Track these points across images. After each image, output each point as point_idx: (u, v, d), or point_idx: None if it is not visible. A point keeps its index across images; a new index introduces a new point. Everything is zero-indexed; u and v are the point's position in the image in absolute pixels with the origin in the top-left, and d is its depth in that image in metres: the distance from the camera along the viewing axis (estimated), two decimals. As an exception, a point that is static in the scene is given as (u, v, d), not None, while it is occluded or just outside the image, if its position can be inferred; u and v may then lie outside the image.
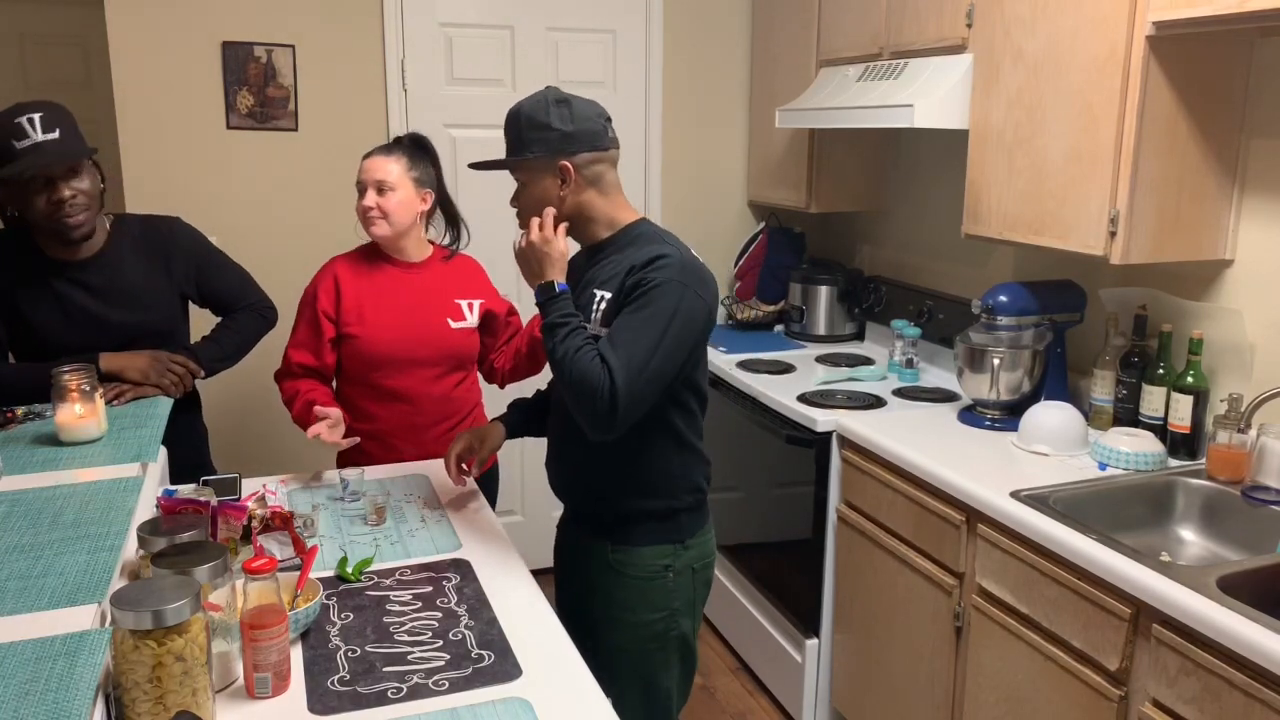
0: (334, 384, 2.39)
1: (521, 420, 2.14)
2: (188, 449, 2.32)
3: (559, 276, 1.76)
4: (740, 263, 3.81)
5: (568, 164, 1.75)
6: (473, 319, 2.39)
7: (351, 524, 1.99)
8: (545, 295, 1.75)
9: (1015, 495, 2.04)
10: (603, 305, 1.76)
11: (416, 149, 2.34)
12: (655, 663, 1.89)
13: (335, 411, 2.18)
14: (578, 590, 1.98)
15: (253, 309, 2.42)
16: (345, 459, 2.36)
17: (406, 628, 1.58)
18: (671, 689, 1.93)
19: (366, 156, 2.30)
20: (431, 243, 2.44)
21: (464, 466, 2.10)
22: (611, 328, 1.71)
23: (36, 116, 2.01)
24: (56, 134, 2.02)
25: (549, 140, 1.74)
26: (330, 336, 2.30)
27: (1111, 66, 2.09)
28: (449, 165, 3.45)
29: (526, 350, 2.43)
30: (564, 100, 1.76)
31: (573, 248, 1.87)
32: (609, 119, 1.81)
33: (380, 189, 2.26)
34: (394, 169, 2.27)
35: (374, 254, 2.37)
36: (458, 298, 2.38)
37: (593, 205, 1.81)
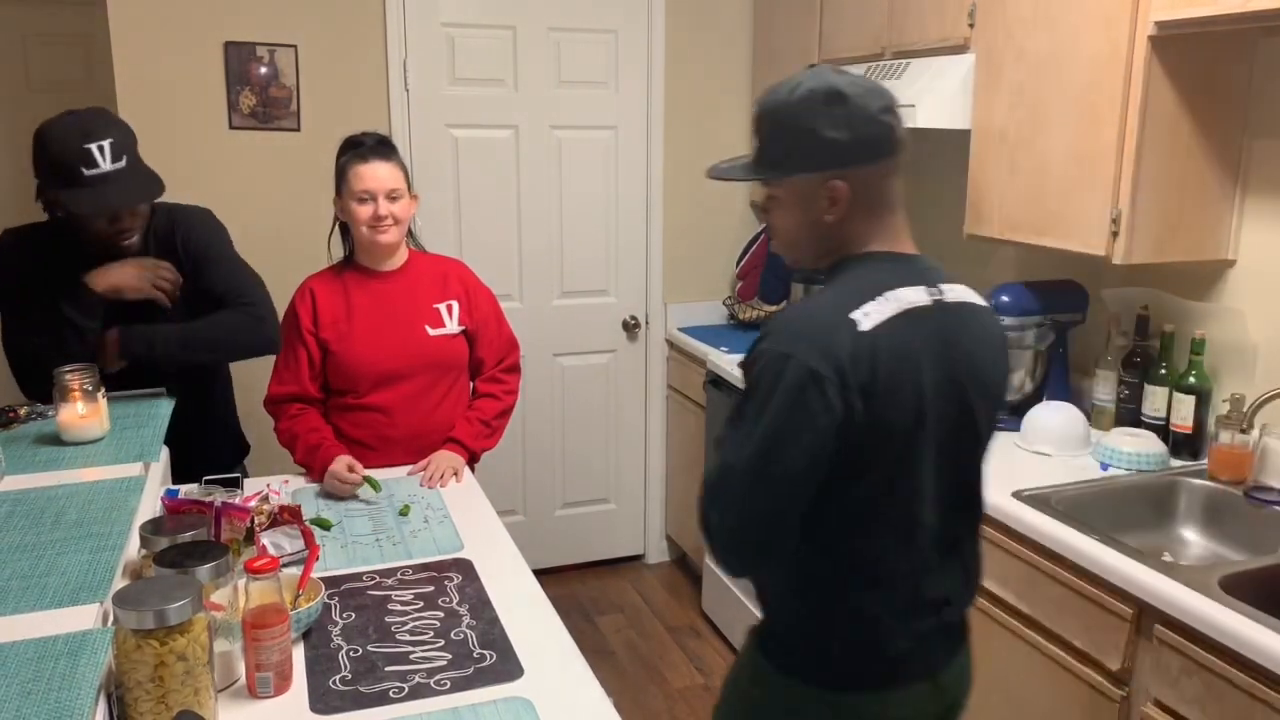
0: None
1: None
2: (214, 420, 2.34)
3: None
4: (742, 263, 3.81)
5: (840, 185, 1.30)
6: (453, 324, 2.36)
7: (353, 523, 2.00)
8: None
9: (1017, 495, 2.04)
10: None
11: (395, 150, 2.31)
12: None
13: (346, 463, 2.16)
14: None
15: (244, 306, 2.23)
16: None
17: (408, 627, 1.58)
18: None
19: (362, 162, 2.23)
20: (410, 248, 2.41)
21: None
22: None
23: (106, 144, 1.96)
24: (124, 163, 1.99)
25: (813, 154, 1.30)
26: (315, 357, 2.27)
27: (1113, 66, 2.09)
28: (451, 166, 3.46)
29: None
30: (837, 94, 1.28)
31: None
32: (893, 107, 1.32)
33: (391, 196, 2.24)
34: (398, 174, 2.26)
35: (346, 268, 2.34)
36: (436, 302, 2.35)
37: (853, 232, 1.34)
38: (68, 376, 1.84)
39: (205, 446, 2.27)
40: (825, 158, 1.30)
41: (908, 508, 1.33)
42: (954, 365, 1.32)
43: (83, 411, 1.85)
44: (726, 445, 1.28)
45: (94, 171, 1.95)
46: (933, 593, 1.38)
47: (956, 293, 1.38)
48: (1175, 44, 2.03)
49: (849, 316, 1.26)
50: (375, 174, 2.23)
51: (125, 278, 2.08)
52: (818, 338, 1.24)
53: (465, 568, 1.81)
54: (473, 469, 2.35)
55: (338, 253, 2.42)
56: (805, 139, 1.30)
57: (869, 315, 1.26)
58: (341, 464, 2.14)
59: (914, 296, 1.31)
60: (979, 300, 1.42)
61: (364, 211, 2.23)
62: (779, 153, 1.34)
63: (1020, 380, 2.47)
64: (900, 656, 1.36)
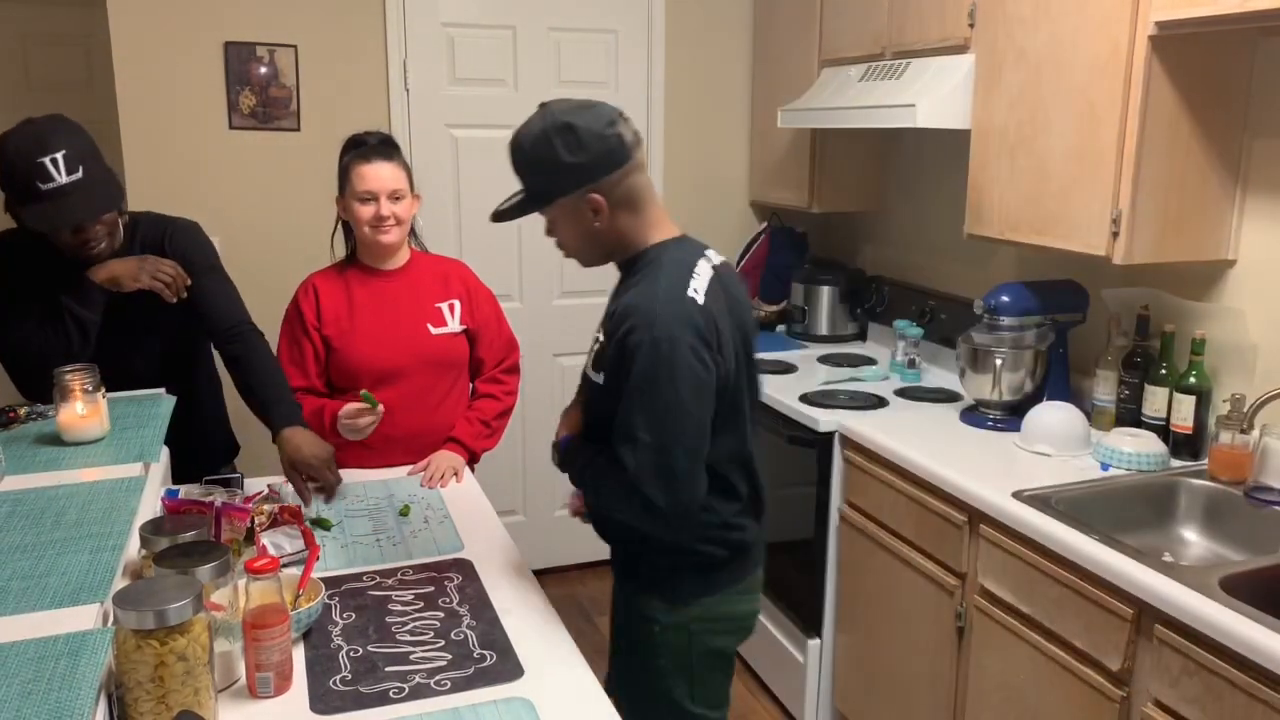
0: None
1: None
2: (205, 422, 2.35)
3: (560, 442, 1.75)
4: (742, 263, 3.80)
5: (597, 197, 1.59)
6: (455, 323, 2.36)
7: (353, 523, 1.99)
8: (559, 458, 1.75)
9: (1017, 495, 2.04)
10: (595, 348, 1.68)
11: (398, 149, 2.31)
12: (650, 714, 1.74)
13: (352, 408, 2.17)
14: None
15: (255, 333, 2.24)
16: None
17: (409, 628, 1.58)
18: None
19: (364, 162, 2.22)
20: (412, 247, 2.41)
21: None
22: (619, 413, 1.56)
23: (60, 156, 1.92)
24: (80, 174, 1.95)
25: (564, 181, 1.58)
26: (320, 353, 2.28)
27: (1114, 66, 2.09)
28: (451, 165, 3.46)
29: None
30: (566, 126, 1.55)
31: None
32: (617, 120, 1.60)
33: (394, 197, 2.23)
34: (401, 175, 2.25)
35: (348, 267, 2.34)
36: (437, 301, 2.35)
37: (627, 229, 1.65)
38: (68, 376, 1.84)
39: (195, 447, 2.26)
40: (575, 180, 1.58)
41: (741, 433, 1.67)
42: (737, 314, 1.66)
43: (83, 411, 1.85)
44: (647, 431, 1.51)
45: (50, 186, 1.92)
46: (757, 500, 1.74)
47: (715, 254, 1.71)
48: (1175, 44, 2.03)
49: (689, 295, 1.56)
50: (377, 174, 2.22)
51: (123, 268, 2.09)
52: (684, 319, 1.53)
53: (465, 568, 1.81)
54: (473, 469, 2.35)
55: (340, 251, 2.42)
56: (554, 170, 1.57)
57: (698, 291, 1.57)
58: (351, 407, 2.15)
59: (706, 268, 1.63)
60: (723, 255, 1.75)
61: (366, 212, 2.23)
62: (539, 186, 1.62)
63: (1020, 380, 2.47)
64: (747, 548, 1.74)
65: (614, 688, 1.76)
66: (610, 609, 1.87)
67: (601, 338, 1.66)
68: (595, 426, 1.68)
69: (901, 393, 2.87)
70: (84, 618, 1.23)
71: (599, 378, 1.64)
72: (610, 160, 1.58)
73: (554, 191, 1.60)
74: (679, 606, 1.70)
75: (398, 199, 2.24)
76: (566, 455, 1.72)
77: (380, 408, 2.15)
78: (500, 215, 1.67)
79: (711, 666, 1.76)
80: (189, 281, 2.15)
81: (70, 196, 1.95)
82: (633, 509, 1.55)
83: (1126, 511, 2.09)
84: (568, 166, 1.56)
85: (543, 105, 1.62)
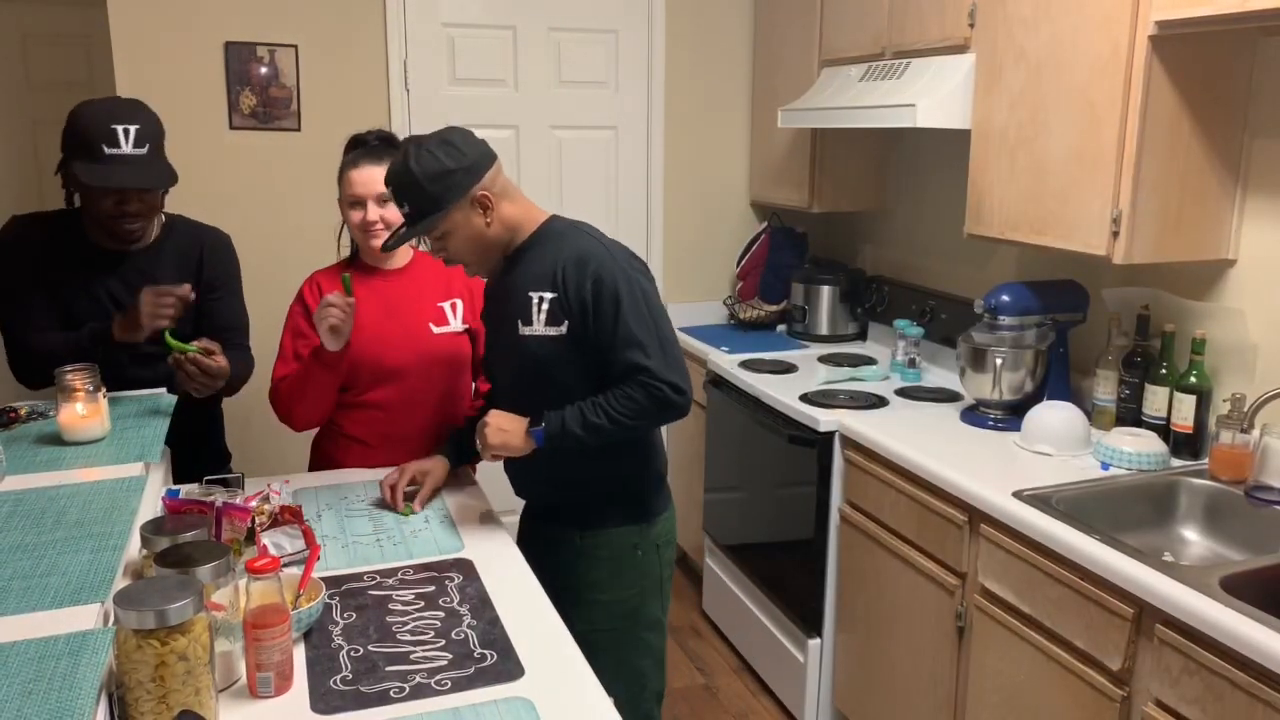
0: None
1: (457, 451, 2.17)
2: (204, 431, 2.36)
3: (528, 436, 1.86)
4: (743, 263, 3.81)
5: (485, 193, 1.82)
6: (457, 322, 2.36)
7: (354, 523, 2.00)
8: (548, 442, 1.85)
9: (1018, 495, 2.04)
10: (544, 306, 1.85)
11: (396, 149, 2.29)
12: (627, 641, 1.99)
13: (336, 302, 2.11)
14: (547, 578, 1.96)
15: (244, 350, 2.33)
16: (323, 464, 2.33)
17: (409, 627, 1.58)
18: (646, 668, 2.03)
19: (354, 167, 2.19)
20: (414, 247, 2.41)
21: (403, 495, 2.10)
22: (614, 339, 1.81)
23: (132, 129, 2.00)
24: (145, 150, 2.01)
25: (457, 183, 1.79)
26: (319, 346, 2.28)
27: (1114, 66, 2.09)
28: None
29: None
30: (443, 141, 1.80)
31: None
32: (458, 132, 1.85)
33: (382, 201, 2.21)
34: None
35: (350, 266, 2.33)
36: (440, 300, 2.35)
37: (513, 216, 1.88)
38: (69, 376, 1.84)
39: (188, 457, 2.26)
40: (467, 180, 1.79)
41: None
42: None
43: (83, 411, 1.85)
44: (658, 336, 1.82)
45: (114, 151, 1.99)
46: None
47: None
48: (1175, 44, 2.03)
49: (619, 243, 1.93)
50: (365, 179, 2.18)
51: (132, 334, 2.07)
52: (631, 256, 1.91)
53: (466, 568, 1.81)
54: (473, 469, 2.35)
55: (346, 250, 2.42)
56: (444, 177, 1.77)
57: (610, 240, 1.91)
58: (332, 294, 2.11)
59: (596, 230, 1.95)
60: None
61: (355, 216, 2.22)
62: (433, 197, 1.78)
63: (1021, 380, 2.48)
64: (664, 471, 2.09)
65: (589, 638, 1.88)
66: (570, 577, 1.99)
67: (548, 296, 1.84)
68: (548, 382, 1.87)
69: (902, 392, 2.87)
70: (85, 617, 1.23)
71: (559, 329, 1.83)
72: (487, 158, 1.83)
73: (450, 196, 1.78)
74: (648, 526, 1.98)
75: (387, 202, 2.22)
76: (550, 426, 1.84)
77: (352, 300, 2.10)
78: (395, 243, 1.90)
79: (667, 579, 2.07)
80: (193, 299, 2.16)
81: (129, 165, 2.01)
82: (652, 402, 1.81)
83: (1127, 511, 2.09)
84: (455, 171, 1.78)
85: (408, 140, 1.87)
